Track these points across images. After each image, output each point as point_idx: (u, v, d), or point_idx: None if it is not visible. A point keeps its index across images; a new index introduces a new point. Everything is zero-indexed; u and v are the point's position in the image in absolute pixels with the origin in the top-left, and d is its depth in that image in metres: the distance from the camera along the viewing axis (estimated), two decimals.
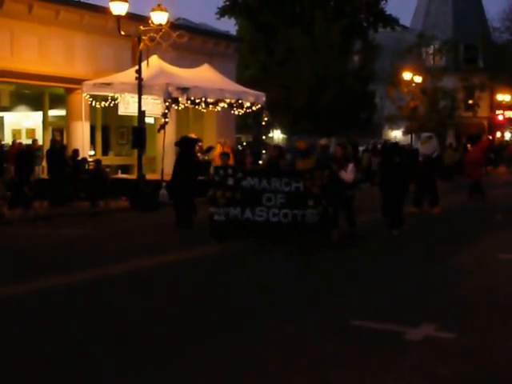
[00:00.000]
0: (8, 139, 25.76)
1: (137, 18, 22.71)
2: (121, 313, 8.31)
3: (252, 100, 25.48)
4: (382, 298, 9.04)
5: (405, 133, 47.59)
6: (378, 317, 8.02)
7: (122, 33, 20.93)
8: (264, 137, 28.35)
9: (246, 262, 12.07)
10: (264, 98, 25.94)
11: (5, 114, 25.88)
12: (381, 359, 6.59)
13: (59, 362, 6.49)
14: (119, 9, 20.66)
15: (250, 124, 36.03)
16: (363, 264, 11.82)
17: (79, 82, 23.61)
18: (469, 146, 41.94)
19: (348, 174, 14.17)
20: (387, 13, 43.14)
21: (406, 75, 40.94)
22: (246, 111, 26.19)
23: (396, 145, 18.40)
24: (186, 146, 16.74)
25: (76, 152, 21.66)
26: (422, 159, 19.57)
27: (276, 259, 12.07)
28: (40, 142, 24.81)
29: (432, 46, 52.09)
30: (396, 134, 52.88)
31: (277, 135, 48.19)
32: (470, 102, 52.12)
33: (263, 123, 26.68)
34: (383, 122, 51.91)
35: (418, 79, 41.83)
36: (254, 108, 25.77)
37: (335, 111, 36.04)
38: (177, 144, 17.55)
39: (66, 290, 9.49)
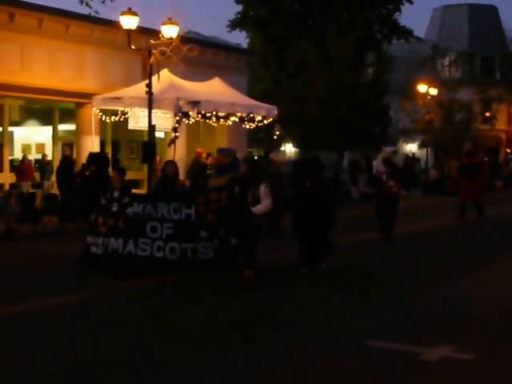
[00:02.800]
0: (18, 154, 25.64)
1: (147, 32, 22.51)
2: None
3: (264, 113, 25.20)
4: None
5: (420, 146, 47.15)
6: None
7: (133, 47, 20.78)
8: (276, 151, 28.03)
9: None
10: (276, 112, 25.64)
11: (14, 129, 25.73)
12: (397, 381, 6.44)
13: None
14: (129, 23, 20.49)
15: (262, 138, 35.71)
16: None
17: (89, 96, 23.44)
18: (486, 159, 41.34)
19: (262, 198, 10.78)
20: (401, 24, 42.76)
21: (421, 87, 40.56)
22: (257, 125, 25.90)
23: (309, 162, 15.38)
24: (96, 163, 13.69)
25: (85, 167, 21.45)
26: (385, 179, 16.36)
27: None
28: (50, 157, 24.69)
29: (447, 58, 51.66)
30: (411, 148, 52.47)
31: (289, 149, 47.91)
32: (488, 114, 51.60)
33: (275, 137, 26.39)
34: (398, 136, 51.52)
35: (434, 91, 41.43)
36: (265, 122, 25.48)
37: (348, 125, 35.73)
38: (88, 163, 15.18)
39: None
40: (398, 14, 42.54)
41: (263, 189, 10.78)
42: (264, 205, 10.70)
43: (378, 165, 17.04)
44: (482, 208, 20.98)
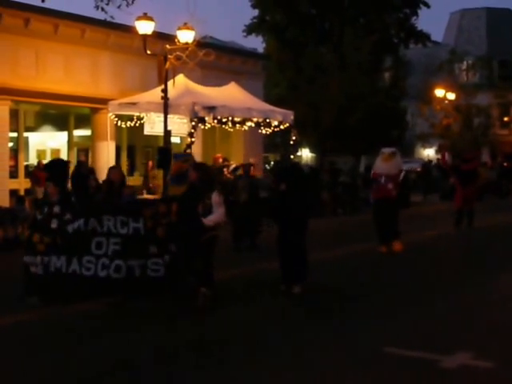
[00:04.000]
0: (33, 160, 25.59)
1: (163, 37, 22.42)
2: None
3: (280, 119, 25.04)
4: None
5: (438, 151, 46.83)
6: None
7: (148, 52, 20.66)
8: (292, 156, 27.83)
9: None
10: (292, 117, 25.47)
11: (30, 135, 25.70)
12: None
13: None
14: (145, 28, 20.39)
15: (278, 143, 35.59)
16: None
17: (105, 101, 23.37)
18: (505, 164, 40.92)
19: (214, 208, 9.60)
20: (418, 28, 42.53)
21: (439, 92, 40.24)
22: (273, 130, 25.76)
23: (287, 167, 14.25)
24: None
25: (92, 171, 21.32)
26: (384, 182, 15.19)
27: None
28: None
29: (465, 62, 51.40)
30: (429, 153, 52.15)
31: (305, 154, 47.74)
32: (506, 119, 51.19)
33: (291, 142, 26.21)
34: (415, 140, 51.21)
35: (451, 96, 41.08)
36: (281, 127, 25.32)
37: (365, 129, 35.52)
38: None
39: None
40: (415, 18, 42.33)
41: (216, 197, 9.61)
42: (216, 215, 9.55)
43: (376, 166, 15.63)
44: (473, 216, 19.75)
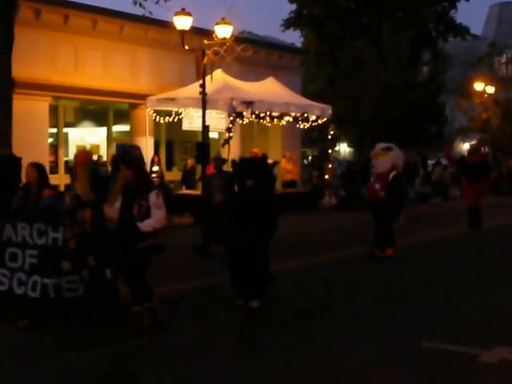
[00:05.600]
0: (72, 155, 25.71)
1: (201, 32, 22.45)
2: None
3: (318, 113, 24.95)
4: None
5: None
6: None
7: (186, 47, 20.72)
8: (330, 150, 27.72)
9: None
10: (330, 111, 25.37)
11: (69, 130, 25.87)
12: (461, 382, 6.38)
13: None
14: (183, 23, 20.44)
15: (316, 137, 35.43)
16: None
17: (143, 97, 23.45)
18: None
19: (152, 211, 8.09)
20: (457, 22, 42.02)
21: (478, 86, 39.81)
22: (311, 124, 25.66)
23: (253, 161, 12.08)
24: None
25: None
26: (372, 181, 13.87)
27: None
28: (104, 158, 24.75)
29: (504, 55, 50.75)
30: (468, 147, 51.63)
31: (343, 148, 47.56)
32: None
33: (329, 136, 26.10)
34: (454, 135, 50.72)
35: (491, 90, 40.61)
36: (319, 121, 25.23)
37: (403, 124, 35.25)
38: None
39: None
40: (453, 11, 41.79)
41: (154, 198, 8.12)
42: (155, 219, 8.07)
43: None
44: (479, 216, 17.93)
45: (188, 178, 24.73)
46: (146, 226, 8.01)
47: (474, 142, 20.75)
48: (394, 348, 7.44)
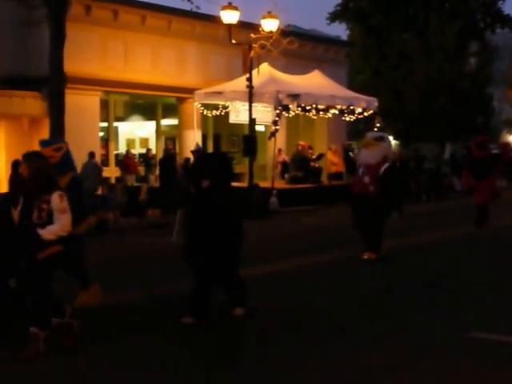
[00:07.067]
0: (122, 149, 26.27)
1: (247, 26, 22.70)
2: None
3: (364, 106, 25.05)
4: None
5: None
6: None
7: (233, 41, 21.02)
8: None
9: None
10: (376, 104, 25.45)
11: (119, 124, 26.38)
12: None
13: None
14: (230, 17, 20.73)
15: (362, 130, 35.45)
16: None
17: (191, 91, 23.81)
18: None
19: (56, 215, 6.86)
20: (505, 13, 41.60)
21: None
22: (357, 117, 25.77)
23: (211, 157, 10.58)
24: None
25: (188, 160, 21.80)
26: (361, 174, 12.33)
27: None
28: (153, 151, 25.21)
29: None
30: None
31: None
32: None
33: (375, 129, 26.17)
34: (501, 127, 50.22)
35: None
36: (365, 114, 25.33)
37: (450, 116, 35.08)
38: None
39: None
40: (501, 2, 41.46)
41: (56, 201, 6.86)
42: (58, 225, 6.88)
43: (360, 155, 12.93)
44: (485, 214, 16.15)
45: None
46: (47, 233, 6.84)
47: (478, 136, 18.47)
48: (441, 338, 7.46)
